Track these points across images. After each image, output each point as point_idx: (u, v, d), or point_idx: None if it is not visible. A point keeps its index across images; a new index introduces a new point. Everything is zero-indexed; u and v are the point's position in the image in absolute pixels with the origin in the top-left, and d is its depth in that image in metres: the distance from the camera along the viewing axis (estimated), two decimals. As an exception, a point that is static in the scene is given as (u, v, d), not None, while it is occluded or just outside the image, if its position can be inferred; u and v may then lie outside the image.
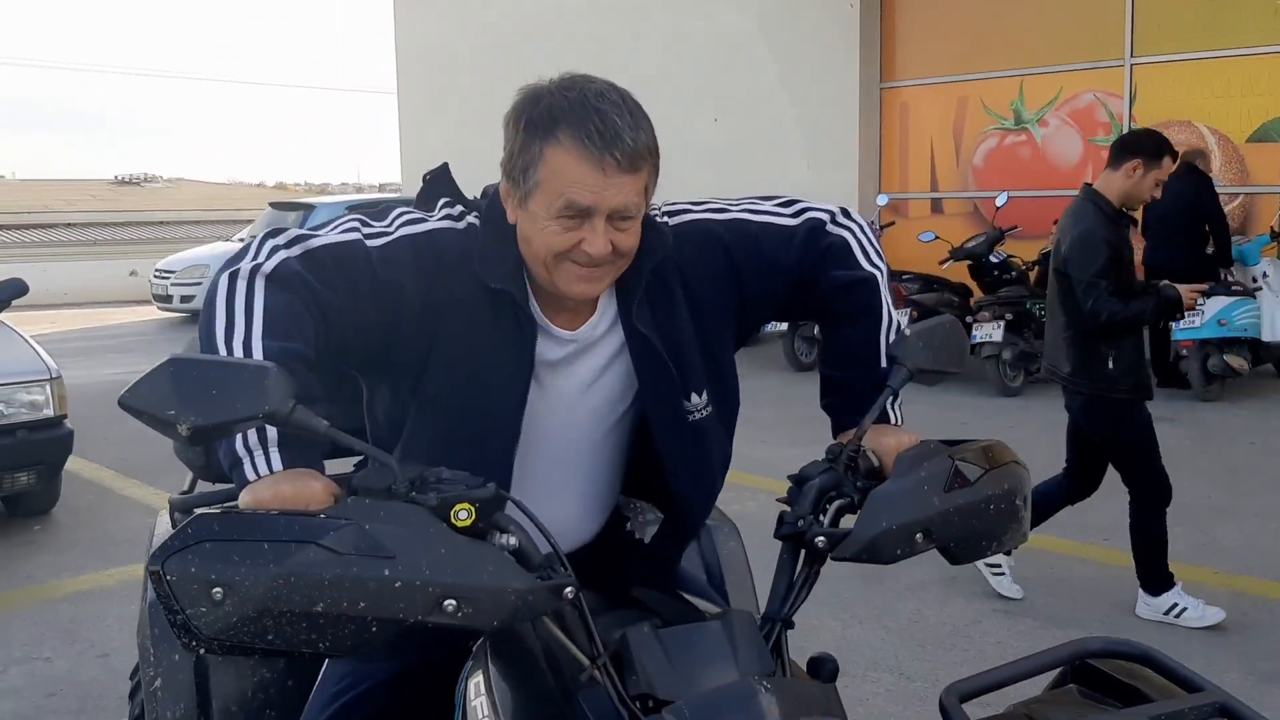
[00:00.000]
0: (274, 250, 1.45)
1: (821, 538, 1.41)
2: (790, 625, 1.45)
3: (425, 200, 1.64)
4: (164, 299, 14.79)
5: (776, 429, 8.07)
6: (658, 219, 1.66)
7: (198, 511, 1.29)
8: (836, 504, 1.47)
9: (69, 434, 5.64)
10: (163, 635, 2.07)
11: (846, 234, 1.74)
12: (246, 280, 1.41)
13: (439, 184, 1.65)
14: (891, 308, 1.74)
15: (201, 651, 1.16)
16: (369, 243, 1.52)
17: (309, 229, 1.53)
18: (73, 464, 6.07)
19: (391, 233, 1.54)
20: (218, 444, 1.34)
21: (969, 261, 9.75)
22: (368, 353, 1.55)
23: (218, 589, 1.12)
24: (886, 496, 1.41)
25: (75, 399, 6.08)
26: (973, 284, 9.82)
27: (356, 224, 1.54)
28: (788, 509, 1.49)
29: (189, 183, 37.37)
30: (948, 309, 9.52)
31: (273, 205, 13.98)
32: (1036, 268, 9.48)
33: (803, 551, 1.44)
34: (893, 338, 1.68)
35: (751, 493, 6.36)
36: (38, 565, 5.31)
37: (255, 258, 1.44)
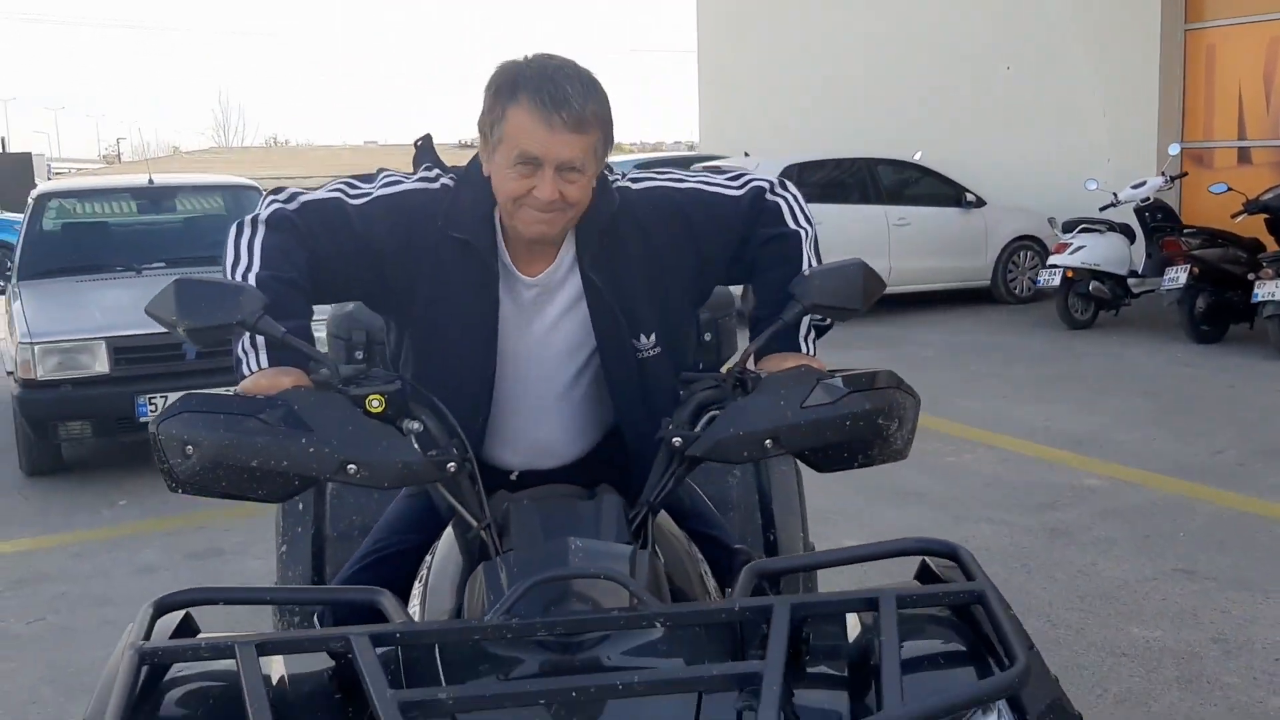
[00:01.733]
0: (272, 204, 1.86)
1: (678, 438, 1.67)
2: (656, 510, 1.73)
3: (416, 166, 2.00)
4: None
5: (1023, 387, 7.96)
6: (618, 183, 1.94)
7: (189, 392, 1.72)
8: (710, 414, 1.72)
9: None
10: (288, 512, 2.59)
11: (781, 200, 1.95)
12: (250, 227, 1.82)
13: (424, 153, 2.00)
14: (816, 264, 1.93)
15: (179, 493, 1.60)
16: (351, 202, 1.86)
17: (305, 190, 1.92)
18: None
19: (371, 194, 1.88)
20: (230, 350, 1.78)
21: (1265, 215, 9.05)
22: (362, 290, 1.92)
23: (189, 446, 1.54)
24: (742, 406, 1.65)
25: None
26: (1269, 239, 9.11)
27: (343, 186, 1.91)
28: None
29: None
30: (1233, 265, 8.91)
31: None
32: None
33: (671, 451, 1.70)
34: (810, 346, 1.90)
35: (971, 445, 6.41)
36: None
37: (258, 210, 1.86)
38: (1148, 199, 9.65)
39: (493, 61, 1.83)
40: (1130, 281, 9.76)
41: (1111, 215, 9.86)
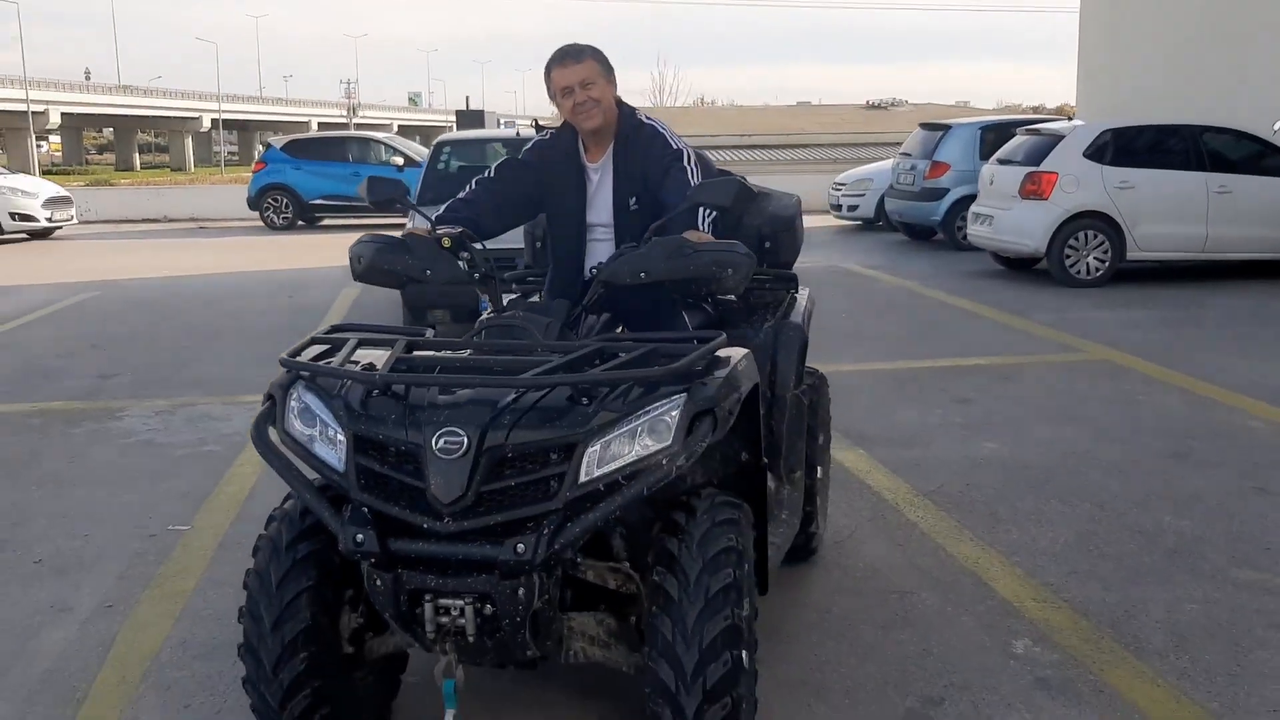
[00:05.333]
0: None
1: (594, 269, 3.05)
2: (588, 310, 3.10)
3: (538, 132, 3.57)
4: (836, 207, 17.30)
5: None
6: (636, 114, 3.41)
7: (373, 234, 3.28)
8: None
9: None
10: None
11: (687, 158, 3.32)
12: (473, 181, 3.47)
13: (540, 130, 3.56)
14: (708, 211, 3.19)
15: (356, 280, 3.20)
16: (519, 154, 3.51)
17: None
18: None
19: (529, 146, 3.53)
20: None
21: None
22: (528, 195, 3.49)
23: (360, 258, 3.14)
24: (628, 251, 3.00)
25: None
26: None
27: (514, 151, 3.49)
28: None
29: (933, 106, 39.91)
30: None
31: (922, 126, 15.64)
32: None
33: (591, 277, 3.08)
34: (705, 224, 3.19)
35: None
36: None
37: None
38: None
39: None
40: None
41: None
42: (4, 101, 64.87)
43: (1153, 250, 11.06)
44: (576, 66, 3.33)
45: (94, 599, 4.06)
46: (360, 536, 2.56)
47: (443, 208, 3.39)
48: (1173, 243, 11.07)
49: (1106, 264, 10.98)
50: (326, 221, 20.29)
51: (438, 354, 2.89)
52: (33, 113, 62.25)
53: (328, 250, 15.18)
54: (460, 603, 2.58)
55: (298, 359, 2.83)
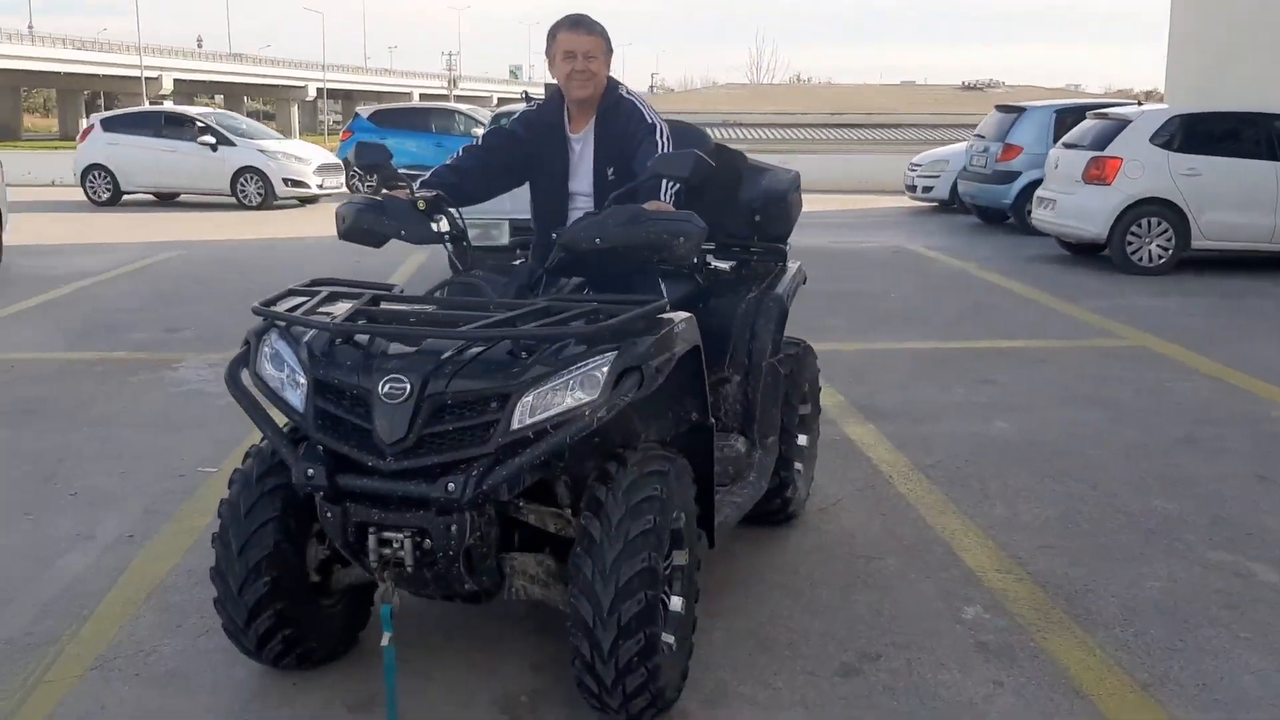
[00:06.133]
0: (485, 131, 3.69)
1: (555, 233, 3.23)
2: (542, 278, 3.29)
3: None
4: (911, 188, 17.20)
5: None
6: (618, 89, 3.58)
7: (358, 197, 3.52)
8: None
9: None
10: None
11: (660, 139, 3.46)
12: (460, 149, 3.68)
13: (529, 101, 3.74)
14: (671, 183, 3.34)
15: (340, 239, 3.44)
16: (506, 123, 3.71)
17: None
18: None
19: (516, 117, 3.72)
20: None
21: None
22: (514, 164, 3.67)
23: (343, 218, 3.36)
24: (588, 219, 3.19)
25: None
26: None
27: (505, 119, 3.70)
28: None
29: (1031, 88, 39.12)
30: None
31: (997, 108, 15.44)
32: None
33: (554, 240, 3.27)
34: (668, 195, 3.34)
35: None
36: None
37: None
38: None
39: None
40: None
41: None
42: (120, 67, 67.19)
43: (1218, 239, 10.86)
44: (587, 37, 3.53)
45: (117, 529, 4.39)
46: (311, 471, 2.80)
47: (429, 173, 3.61)
48: (1239, 232, 10.85)
49: (1170, 252, 10.81)
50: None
51: (398, 308, 3.11)
52: (146, 78, 64.38)
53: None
54: (400, 536, 2.80)
55: (271, 308, 3.07)
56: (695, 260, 4.26)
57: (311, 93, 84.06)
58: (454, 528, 2.77)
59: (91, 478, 5.00)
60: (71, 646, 3.45)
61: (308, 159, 18.76)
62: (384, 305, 3.12)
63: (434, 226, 3.35)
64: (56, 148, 46.32)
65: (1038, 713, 3.11)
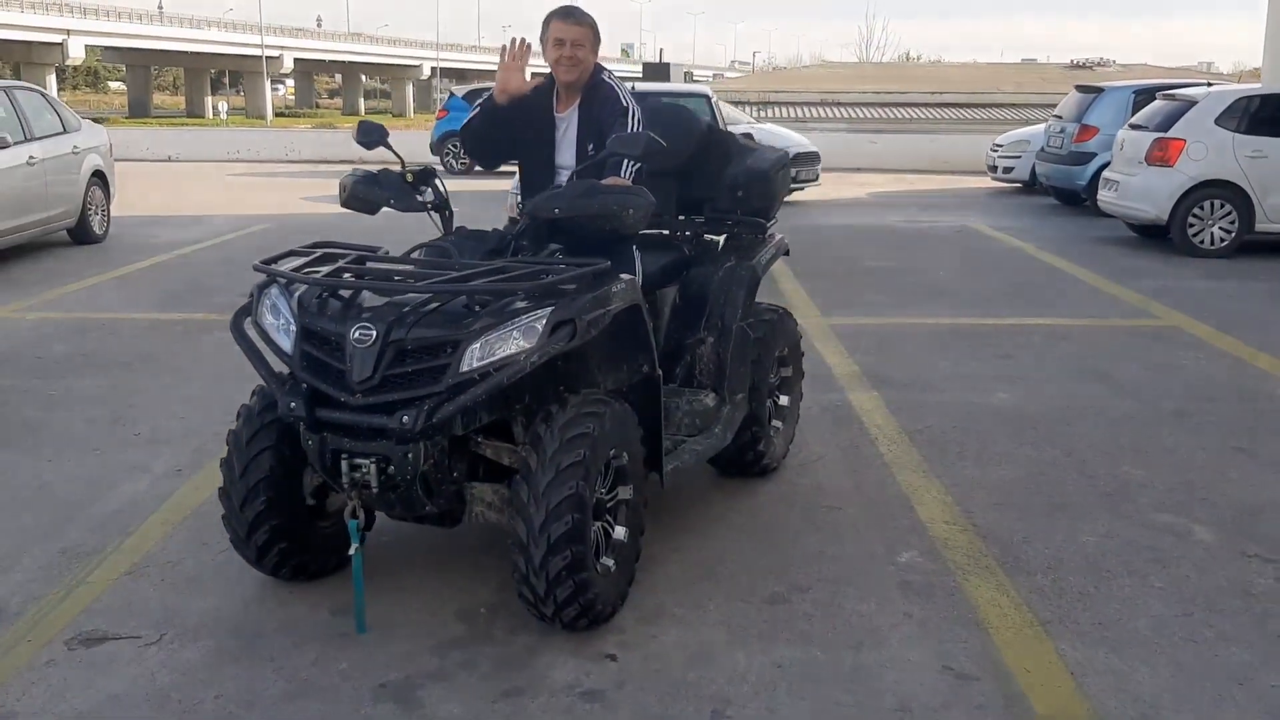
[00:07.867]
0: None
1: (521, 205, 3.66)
2: (516, 247, 3.72)
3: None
4: (992, 169, 17.18)
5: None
6: (601, 74, 3.98)
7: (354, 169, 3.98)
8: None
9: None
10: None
11: (631, 120, 3.85)
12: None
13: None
14: (631, 161, 3.74)
15: (342, 207, 3.92)
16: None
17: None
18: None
19: None
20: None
21: None
22: (513, 133, 4.08)
23: (344, 188, 3.85)
24: (551, 192, 3.61)
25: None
26: None
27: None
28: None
29: (1141, 67, 38.10)
30: None
31: (1077, 88, 15.32)
32: None
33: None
34: (627, 172, 3.74)
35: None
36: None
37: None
38: None
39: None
40: None
41: None
42: (242, 46, 69.55)
43: (1284, 223, 10.78)
44: (576, 27, 3.94)
45: (170, 464, 4.99)
46: (293, 404, 3.30)
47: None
48: (1306, 216, 10.76)
49: (1232, 235, 10.77)
50: (502, 168, 21.36)
51: (379, 266, 3.59)
52: (267, 58, 66.57)
53: (488, 192, 16.18)
54: (367, 462, 3.28)
55: (272, 265, 3.58)
56: (675, 232, 4.67)
57: (426, 71, 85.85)
58: (410, 455, 3.24)
59: (156, 420, 5.62)
60: (114, 556, 4.03)
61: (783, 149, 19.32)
62: (369, 264, 3.60)
63: (418, 198, 3.81)
64: (202, 125, 48.39)
65: (934, 639, 3.46)
